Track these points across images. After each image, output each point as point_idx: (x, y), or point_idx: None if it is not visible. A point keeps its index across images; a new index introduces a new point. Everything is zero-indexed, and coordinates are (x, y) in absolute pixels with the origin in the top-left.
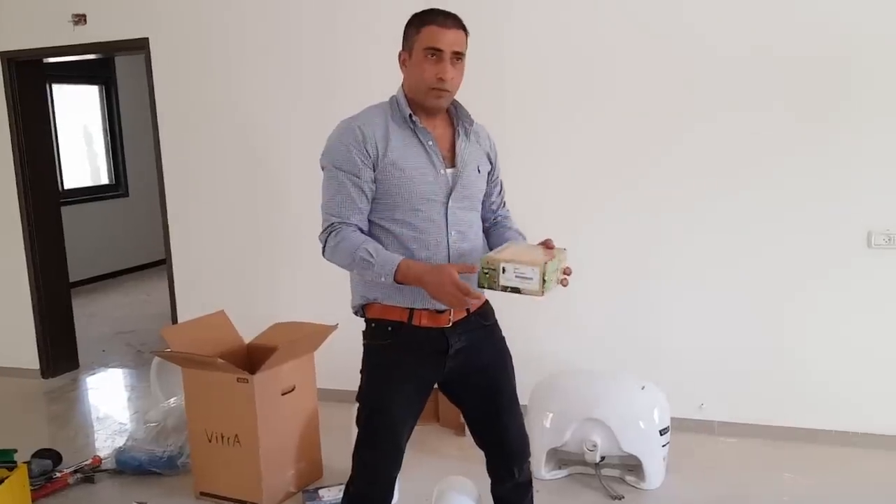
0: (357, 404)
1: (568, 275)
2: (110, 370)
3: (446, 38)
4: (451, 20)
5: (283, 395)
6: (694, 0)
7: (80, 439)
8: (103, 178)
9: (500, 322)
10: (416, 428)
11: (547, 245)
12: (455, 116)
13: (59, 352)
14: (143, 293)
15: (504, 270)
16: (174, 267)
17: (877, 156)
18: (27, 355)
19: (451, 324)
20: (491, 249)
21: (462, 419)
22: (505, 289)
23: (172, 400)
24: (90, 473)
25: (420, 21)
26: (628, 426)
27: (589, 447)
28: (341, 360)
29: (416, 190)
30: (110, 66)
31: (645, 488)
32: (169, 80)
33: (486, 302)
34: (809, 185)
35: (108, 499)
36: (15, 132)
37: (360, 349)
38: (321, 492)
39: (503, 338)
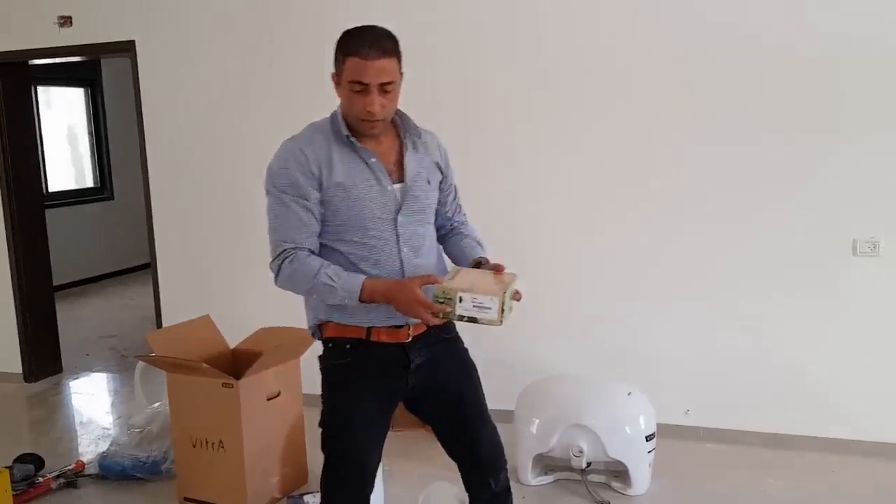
0: (320, 429)
1: (518, 300)
2: (94, 374)
3: (370, 71)
4: (375, 50)
5: (268, 400)
6: (689, 10)
7: (63, 444)
8: (88, 181)
9: (485, 330)
10: (402, 434)
11: (497, 270)
12: (401, 128)
13: (43, 356)
14: (127, 297)
15: (461, 300)
16: (159, 271)
17: (862, 164)
18: (10, 359)
19: (410, 339)
20: (450, 257)
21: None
22: (461, 318)
23: (157, 405)
24: (73, 479)
25: (345, 49)
26: (614, 432)
27: (575, 453)
28: None
29: (363, 209)
30: (96, 69)
31: (631, 494)
32: (155, 83)
33: None
34: (795, 193)
35: None
36: None
37: None
38: (306, 497)
39: (465, 349)
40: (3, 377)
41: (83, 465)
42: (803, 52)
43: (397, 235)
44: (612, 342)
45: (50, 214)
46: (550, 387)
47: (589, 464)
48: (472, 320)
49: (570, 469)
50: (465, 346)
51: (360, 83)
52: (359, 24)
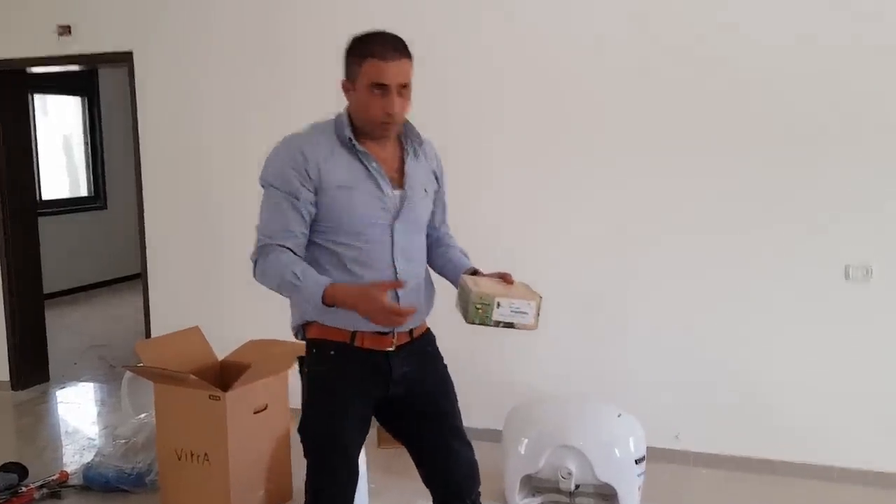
0: (300, 435)
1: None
2: (81, 384)
3: (390, 72)
4: (393, 51)
5: (255, 413)
6: (677, 33)
7: (48, 454)
8: (82, 191)
9: (476, 348)
10: (384, 450)
11: (506, 279)
12: (403, 135)
13: (30, 364)
14: (118, 307)
15: (499, 305)
16: (150, 281)
17: (856, 190)
18: None
19: (394, 347)
20: (435, 267)
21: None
22: (498, 324)
23: (143, 415)
24: (56, 489)
25: (361, 52)
26: (604, 454)
27: (564, 475)
28: None
29: (360, 213)
30: (93, 79)
31: None
32: (152, 94)
33: (428, 329)
34: (788, 218)
35: None
36: None
37: None
38: None
39: (445, 365)
40: None
41: (67, 475)
42: (794, 81)
43: (392, 242)
44: (603, 364)
45: (43, 222)
46: (539, 407)
47: (577, 486)
48: (509, 325)
49: (559, 491)
50: (446, 363)
51: (381, 84)
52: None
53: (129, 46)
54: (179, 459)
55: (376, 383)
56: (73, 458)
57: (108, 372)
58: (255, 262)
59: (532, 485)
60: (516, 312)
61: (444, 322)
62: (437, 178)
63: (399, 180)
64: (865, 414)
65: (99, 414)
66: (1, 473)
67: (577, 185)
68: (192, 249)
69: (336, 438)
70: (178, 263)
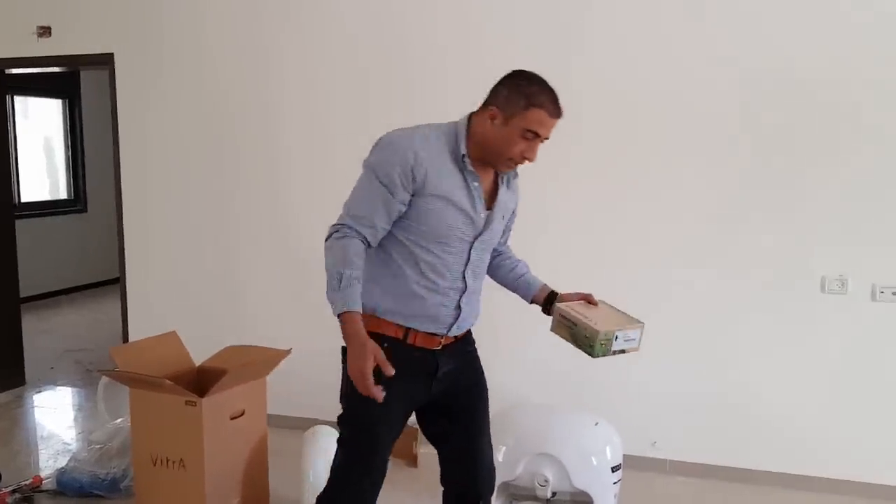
0: (340, 425)
1: None
2: (58, 388)
3: (549, 127)
4: (558, 108)
5: (231, 419)
6: (653, 48)
7: (22, 458)
8: (62, 193)
9: None
10: None
11: (590, 300)
12: None
13: (6, 368)
14: (97, 311)
15: (617, 338)
16: (128, 285)
17: (832, 202)
18: None
19: (440, 346)
20: (501, 279)
21: (416, 449)
22: (615, 353)
23: (119, 420)
24: (29, 494)
25: (531, 99)
26: (580, 462)
27: (541, 482)
28: (294, 386)
29: (451, 225)
30: (75, 81)
31: None
32: (132, 97)
33: (469, 330)
34: (765, 230)
35: None
36: None
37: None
38: None
39: (481, 366)
40: None
41: (41, 480)
42: (768, 96)
43: (469, 258)
44: (581, 372)
45: (22, 225)
46: (517, 415)
47: (554, 493)
48: (622, 352)
49: (536, 498)
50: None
51: (536, 134)
52: (338, 40)
53: (110, 48)
54: (155, 465)
55: (422, 381)
56: (48, 463)
57: (85, 376)
58: (331, 235)
59: (509, 492)
60: (628, 341)
61: None
62: (513, 210)
63: (489, 204)
64: (841, 423)
65: (75, 419)
66: None
67: (558, 194)
68: (172, 254)
69: (376, 429)
70: (157, 267)
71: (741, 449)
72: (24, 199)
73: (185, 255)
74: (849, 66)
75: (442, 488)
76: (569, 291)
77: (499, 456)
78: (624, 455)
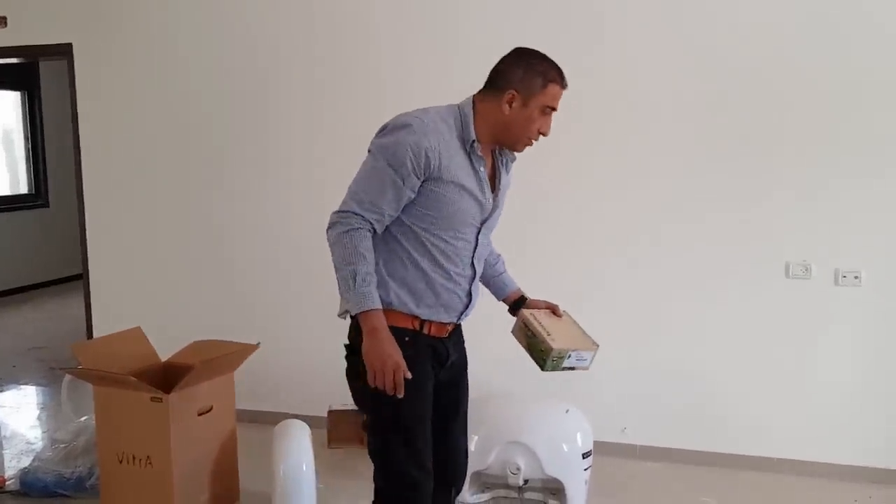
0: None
1: None
2: (21, 387)
3: (560, 97)
4: (566, 81)
5: (199, 415)
6: (618, 34)
7: None
8: (23, 188)
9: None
10: (337, 450)
11: (556, 312)
12: (498, 149)
13: None
14: (59, 308)
15: (570, 357)
16: (91, 281)
17: (797, 188)
18: None
19: (448, 334)
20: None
21: None
22: (565, 369)
23: (84, 418)
24: None
25: (547, 76)
26: (552, 450)
27: (512, 470)
28: (262, 381)
29: (463, 212)
30: (34, 72)
31: None
32: (92, 87)
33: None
34: (730, 217)
35: None
36: None
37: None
38: None
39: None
40: None
41: (4, 480)
42: (732, 81)
43: (476, 244)
44: None
45: None
46: (489, 404)
47: (526, 481)
48: (570, 369)
49: (508, 486)
50: None
51: (553, 108)
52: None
53: (69, 38)
54: (121, 463)
55: (434, 369)
56: (11, 464)
57: (49, 374)
58: (335, 225)
59: (482, 480)
60: (580, 360)
61: None
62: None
63: (493, 187)
64: (806, 406)
65: (38, 417)
66: None
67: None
68: (136, 248)
69: (425, 421)
70: (120, 262)
71: (709, 433)
72: None
73: (148, 249)
74: (812, 54)
75: None
76: (537, 298)
77: (471, 445)
78: (594, 441)
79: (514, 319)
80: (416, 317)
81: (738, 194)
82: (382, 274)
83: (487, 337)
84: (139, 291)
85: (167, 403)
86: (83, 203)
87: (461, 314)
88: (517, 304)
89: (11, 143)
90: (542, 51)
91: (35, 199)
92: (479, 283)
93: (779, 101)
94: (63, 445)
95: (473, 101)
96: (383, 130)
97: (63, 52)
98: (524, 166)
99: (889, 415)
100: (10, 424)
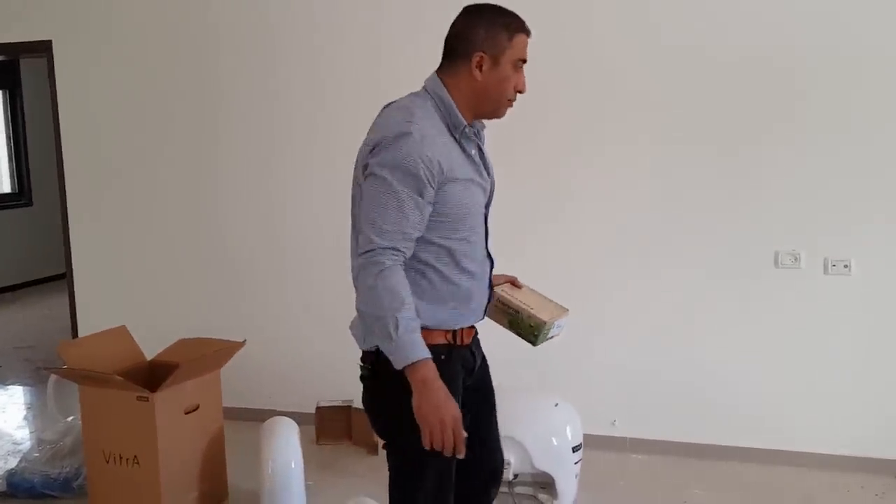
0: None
1: None
2: (7, 387)
3: (527, 48)
4: (527, 26)
5: (185, 413)
6: (604, 24)
7: None
8: (6, 187)
9: None
10: (326, 447)
11: (516, 283)
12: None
13: None
14: (46, 307)
15: (555, 326)
16: (76, 280)
17: (786, 177)
18: None
19: (471, 338)
20: None
21: (377, 437)
22: (548, 339)
23: (70, 418)
24: None
25: (510, 27)
26: (541, 444)
27: None
28: (250, 378)
29: (472, 205)
30: (15, 71)
31: None
32: (73, 85)
33: None
34: (719, 206)
35: None
36: None
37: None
38: None
39: None
40: None
41: None
42: (720, 71)
43: (486, 231)
44: (539, 353)
45: None
46: None
47: (516, 475)
48: (550, 339)
49: None
50: None
51: (524, 61)
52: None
53: (48, 35)
54: (108, 463)
55: (464, 379)
56: None
57: (35, 374)
58: (364, 267)
59: None
60: (559, 327)
61: None
62: None
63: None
64: (796, 396)
65: (25, 418)
66: None
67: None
68: (120, 246)
69: (453, 460)
70: (105, 261)
71: (699, 425)
72: None
73: (133, 247)
74: (800, 45)
75: None
76: (497, 273)
77: None
78: (584, 434)
79: None
80: (448, 329)
81: (724, 183)
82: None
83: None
84: (124, 290)
85: (153, 402)
86: (65, 201)
87: (485, 310)
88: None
89: None
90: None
91: (19, 198)
92: None
93: (766, 91)
94: (50, 446)
95: (442, 81)
96: (379, 146)
97: (42, 49)
98: (512, 165)
99: (881, 404)
100: None
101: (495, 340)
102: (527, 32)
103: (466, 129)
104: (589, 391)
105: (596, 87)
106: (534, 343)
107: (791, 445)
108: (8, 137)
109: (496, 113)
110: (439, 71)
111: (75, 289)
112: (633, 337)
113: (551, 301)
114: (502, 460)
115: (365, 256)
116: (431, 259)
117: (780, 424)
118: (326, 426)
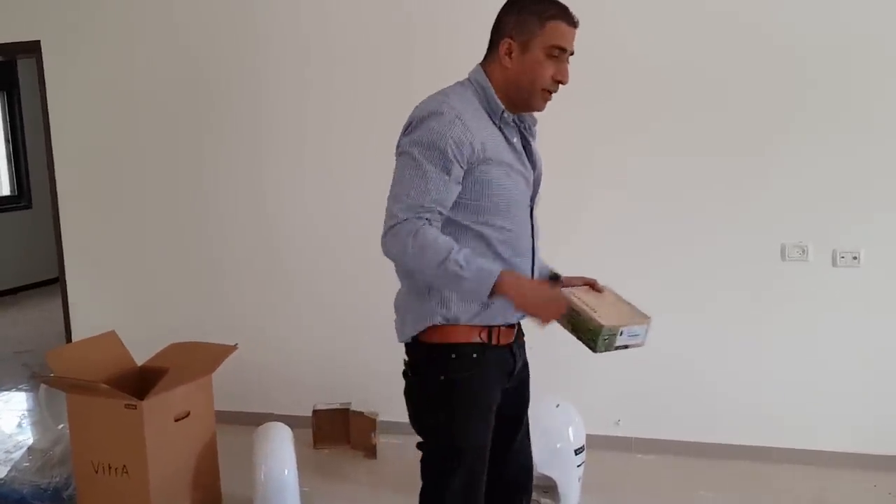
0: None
1: None
2: (4, 393)
3: (570, 37)
4: (573, 17)
5: (176, 420)
6: (614, 13)
7: None
8: (5, 189)
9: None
10: (324, 451)
11: (595, 287)
12: (517, 116)
13: None
14: (45, 310)
15: (622, 334)
16: (69, 284)
17: (792, 170)
18: None
19: (513, 338)
20: None
21: (374, 439)
22: (618, 348)
23: (61, 426)
24: None
25: (543, 12)
26: (543, 447)
27: None
28: (245, 381)
29: (513, 191)
30: (13, 72)
31: None
32: (63, 86)
33: None
34: (725, 199)
35: None
36: None
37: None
38: None
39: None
40: None
41: None
42: (730, 63)
43: (532, 225)
44: (540, 352)
45: None
46: None
47: None
48: (624, 347)
49: None
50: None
51: (561, 49)
52: (275, 21)
53: (37, 35)
54: (97, 473)
55: (503, 382)
56: None
57: (32, 379)
58: (391, 238)
59: None
60: (632, 336)
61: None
62: None
63: (529, 160)
64: (805, 393)
65: (20, 425)
66: None
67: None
68: (113, 249)
69: (481, 447)
70: (98, 264)
71: (704, 424)
72: None
73: (126, 250)
74: (806, 33)
75: (403, 478)
76: (572, 275)
77: None
78: (588, 434)
79: None
80: (483, 326)
81: (729, 175)
82: (443, 288)
83: None
84: (118, 293)
85: (141, 410)
86: (57, 204)
87: None
88: (550, 282)
89: None
90: None
91: (18, 200)
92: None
93: (773, 81)
94: (41, 455)
95: (484, 70)
96: (410, 126)
97: (31, 49)
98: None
99: (893, 399)
100: None
101: None
102: (567, 21)
103: (505, 115)
104: (592, 391)
105: (599, 86)
106: (593, 349)
107: (801, 443)
108: (6, 139)
109: (530, 103)
110: (482, 62)
111: (68, 292)
112: None
113: (631, 307)
114: (531, 470)
115: (391, 232)
116: (466, 244)
117: (789, 422)
118: (324, 430)
